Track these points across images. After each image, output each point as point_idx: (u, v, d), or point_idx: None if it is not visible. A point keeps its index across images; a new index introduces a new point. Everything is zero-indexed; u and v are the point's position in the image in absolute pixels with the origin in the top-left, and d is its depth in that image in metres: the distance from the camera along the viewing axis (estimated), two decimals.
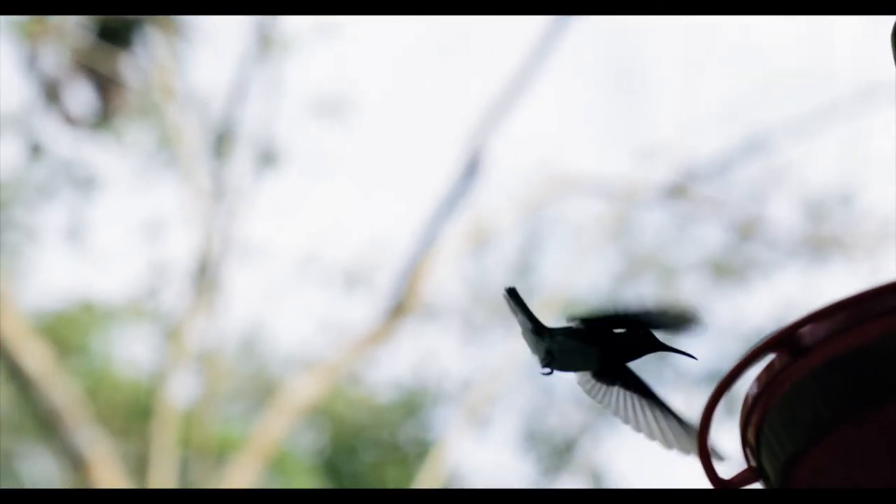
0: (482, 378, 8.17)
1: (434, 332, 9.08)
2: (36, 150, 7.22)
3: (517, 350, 8.36)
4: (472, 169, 7.59)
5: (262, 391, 8.91)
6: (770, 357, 1.17)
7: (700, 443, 1.22)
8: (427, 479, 7.28)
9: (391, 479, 8.68)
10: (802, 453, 1.15)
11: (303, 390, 7.23)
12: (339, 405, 9.26)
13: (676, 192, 8.42)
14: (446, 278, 8.75)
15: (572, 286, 9.10)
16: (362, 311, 7.91)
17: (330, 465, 9.31)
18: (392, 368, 9.37)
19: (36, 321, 8.06)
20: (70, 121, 7.39)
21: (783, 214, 8.59)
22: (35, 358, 6.73)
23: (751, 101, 8.52)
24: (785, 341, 1.15)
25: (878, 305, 1.12)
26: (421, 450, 8.42)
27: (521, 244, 8.99)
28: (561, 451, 8.99)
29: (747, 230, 8.54)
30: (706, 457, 1.23)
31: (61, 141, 7.33)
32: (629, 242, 9.08)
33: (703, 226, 8.80)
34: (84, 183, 7.29)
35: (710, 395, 1.20)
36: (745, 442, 1.21)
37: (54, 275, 10.32)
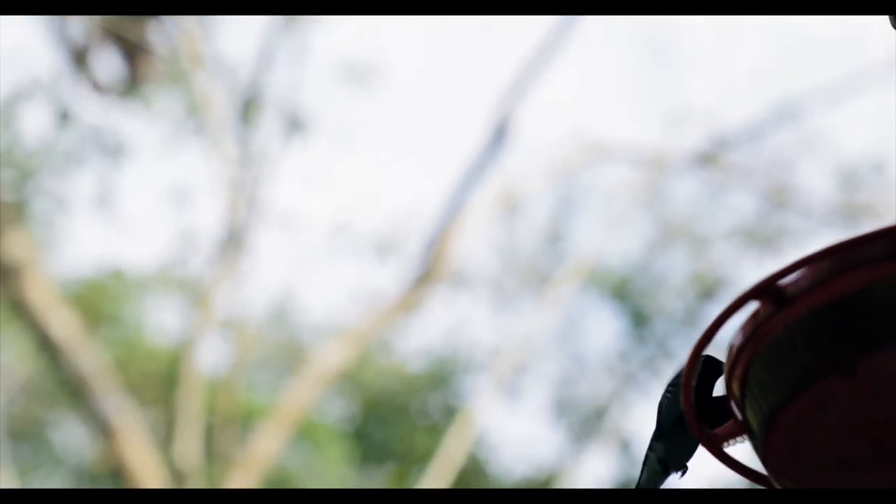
0: (512, 346, 8.15)
1: (464, 301, 9.07)
2: (64, 118, 7.22)
3: (547, 318, 8.34)
4: (500, 135, 7.55)
5: (291, 359, 8.92)
6: (755, 307, 1.14)
7: (684, 393, 1.20)
8: (454, 446, 7.27)
9: (420, 448, 8.68)
10: (786, 405, 1.12)
11: (331, 358, 7.23)
12: (369, 373, 9.27)
13: (708, 159, 8.36)
14: (477, 246, 8.74)
15: (603, 254, 9.06)
16: (392, 278, 7.90)
17: (359, 433, 9.32)
18: (422, 337, 9.38)
19: (66, 290, 8.09)
20: (98, 88, 7.39)
21: (815, 182, 8.53)
22: (63, 326, 6.75)
23: (783, 68, 8.45)
24: (769, 290, 1.12)
25: (865, 253, 1.09)
26: (450, 418, 8.41)
27: (552, 212, 8.96)
28: (591, 419, 8.97)
29: (780, 198, 8.48)
30: (690, 408, 1.21)
31: (89, 108, 7.33)
32: (661, 210, 9.03)
33: (735, 194, 8.74)
34: (112, 150, 7.29)
35: (693, 345, 1.17)
36: (730, 394, 1.18)
37: (84, 243, 10.36)
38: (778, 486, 1.21)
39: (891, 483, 1.16)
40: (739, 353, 1.15)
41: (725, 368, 1.17)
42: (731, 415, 1.19)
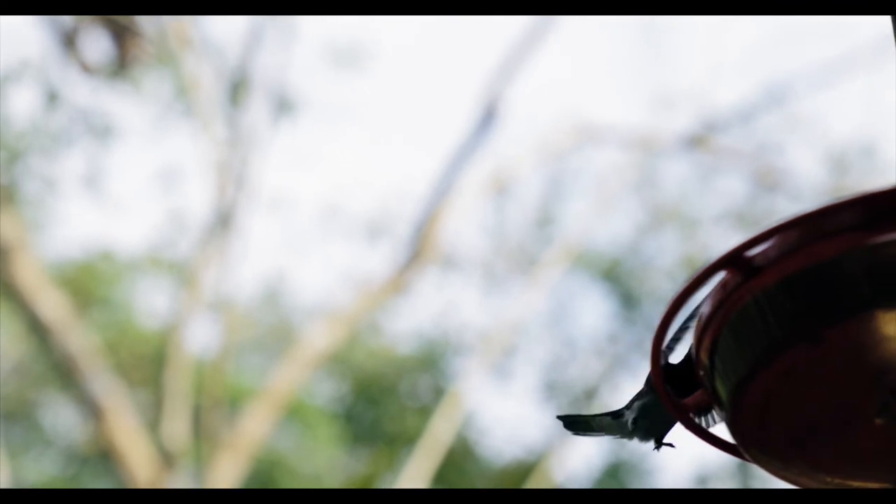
0: (502, 328, 8.15)
1: (454, 283, 9.07)
2: (53, 99, 7.20)
3: (537, 300, 8.34)
4: (489, 117, 7.55)
5: (282, 341, 8.92)
6: (724, 276, 1.14)
7: (653, 363, 1.20)
8: (441, 427, 7.27)
9: (410, 429, 8.68)
10: (754, 375, 1.13)
11: (320, 340, 7.23)
12: (360, 355, 9.27)
13: (698, 142, 8.36)
14: (466, 228, 8.73)
15: (593, 236, 9.07)
16: (382, 260, 7.90)
17: (349, 414, 9.32)
18: (412, 319, 9.38)
19: (56, 271, 8.08)
20: (87, 70, 7.36)
21: (805, 165, 8.53)
22: (52, 307, 6.74)
23: (772, 51, 8.45)
24: (737, 260, 1.12)
25: (832, 224, 1.09)
26: (440, 400, 8.42)
27: (542, 194, 8.95)
28: (580, 401, 8.98)
29: (769, 181, 8.48)
30: (660, 378, 1.21)
31: (78, 90, 7.32)
32: (650, 193, 9.03)
33: (724, 176, 8.74)
34: (101, 132, 7.27)
35: (662, 315, 1.17)
36: (698, 364, 1.18)
37: (73, 225, 10.34)
38: (746, 455, 1.22)
39: (857, 451, 1.17)
40: (708, 322, 1.15)
41: (694, 338, 1.17)
42: (701, 385, 1.20)
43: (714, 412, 1.22)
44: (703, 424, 1.26)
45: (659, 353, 1.19)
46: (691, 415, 1.22)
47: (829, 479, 1.20)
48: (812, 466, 1.20)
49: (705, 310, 1.15)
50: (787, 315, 1.12)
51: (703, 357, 1.17)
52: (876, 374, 1.11)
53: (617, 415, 1.38)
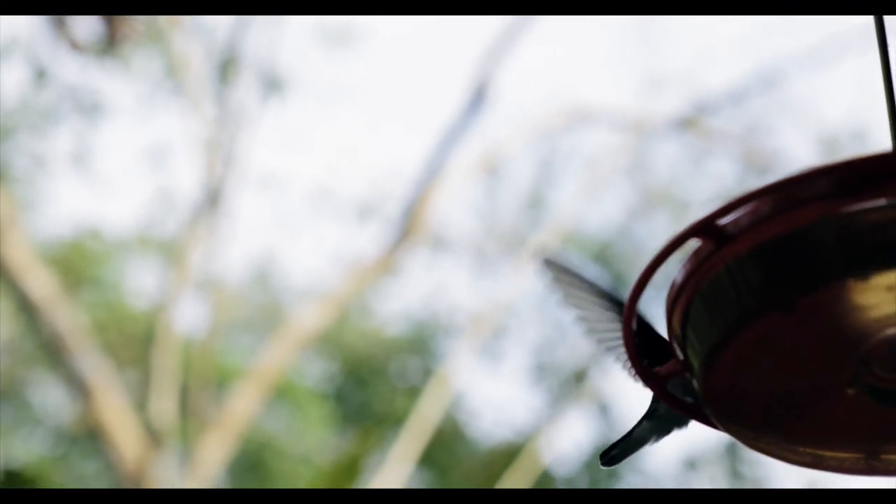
0: (492, 309, 8.15)
1: (445, 265, 9.06)
2: (42, 77, 7.18)
3: (528, 282, 8.33)
4: (480, 97, 7.53)
5: (271, 322, 8.91)
6: (697, 244, 1.13)
7: (625, 334, 1.19)
8: (429, 408, 7.28)
9: (400, 410, 8.68)
10: (727, 343, 1.12)
11: (308, 320, 7.22)
12: (349, 336, 9.27)
13: (689, 124, 8.35)
14: (457, 209, 8.73)
15: (583, 218, 9.07)
16: (372, 241, 7.89)
17: (339, 394, 9.32)
18: (402, 300, 9.37)
19: (44, 250, 8.06)
20: (76, 47, 7.34)
21: (796, 148, 8.53)
22: (40, 285, 6.73)
23: (763, 33, 8.44)
24: (709, 227, 1.11)
25: (806, 191, 1.09)
26: (430, 381, 8.42)
27: (533, 176, 8.95)
28: (570, 383, 8.98)
29: (760, 163, 8.48)
30: (632, 349, 1.20)
31: (67, 67, 7.30)
32: (642, 175, 9.03)
33: (716, 159, 8.74)
34: (90, 110, 7.26)
35: (634, 283, 1.16)
36: (671, 332, 1.17)
37: (62, 203, 10.33)
38: (719, 425, 1.21)
39: (829, 421, 1.17)
40: (680, 290, 1.14)
41: (666, 306, 1.16)
42: (673, 354, 1.19)
43: (687, 381, 1.22)
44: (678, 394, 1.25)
45: (631, 321, 1.18)
46: (664, 384, 1.21)
47: (801, 450, 1.19)
48: (784, 436, 1.19)
49: (678, 278, 1.14)
50: (760, 283, 1.11)
51: (676, 326, 1.16)
52: (848, 344, 1.11)
53: (648, 417, 1.38)
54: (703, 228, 1.11)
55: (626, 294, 1.20)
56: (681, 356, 1.18)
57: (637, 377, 1.22)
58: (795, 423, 1.18)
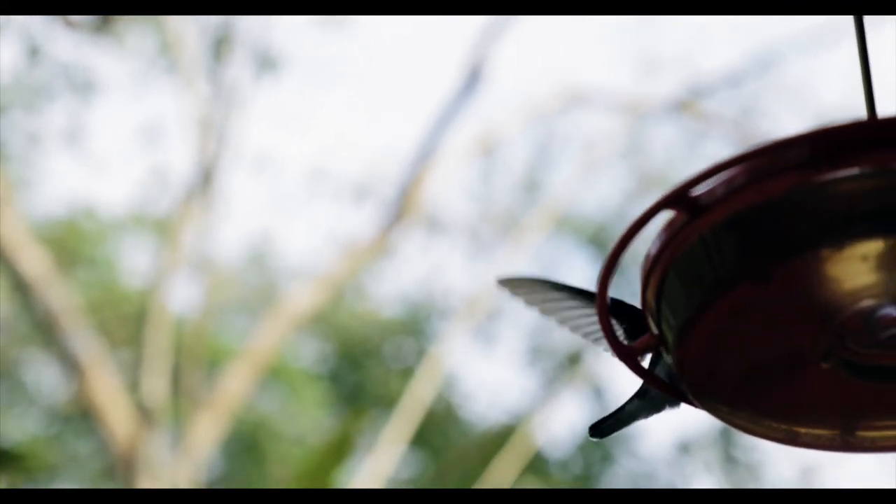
0: (486, 292, 8.13)
1: (440, 246, 9.05)
2: (35, 54, 7.15)
3: (522, 264, 8.32)
4: (474, 79, 7.51)
5: (266, 302, 8.90)
6: (671, 215, 1.12)
7: (599, 307, 1.18)
8: (420, 389, 7.27)
9: (394, 391, 8.68)
10: (701, 314, 1.10)
11: (302, 300, 7.20)
12: (344, 317, 9.26)
13: (684, 107, 8.33)
14: (452, 191, 8.71)
15: (579, 201, 9.05)
16: (366, 222, 7.88)
17: (334, 376, 9.31)
18: (397, 282, 9.36)
19: (39, 229, 8.04)
20: (70, 24, 7.32)
21: (792, 132, 8.49)
22: (33, 264, 6.71)
23: (759, 15, 8.40)
24: (682, 198, 1.09)
25: (779, 160, 1.07)
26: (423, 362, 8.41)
27: (528, 158, 8.93)
28: (564, 366, 8.97)
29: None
30: (607, 322, 1.18)
31: (61, 45, 7.27)
32: (637, 157, 9.01)
33: (711, 142, 8.72)
34: (84, 87, 7.23)
35: (607, 256, 1.15)
36: (645, 305, 1.16)
37: (56, 181, 10.31)
38: (694, 400, 1.19)
39: (803, 396, 1.15)
40: (655, 262, 1.12)
41: (641, 279, 1.15)
42: (647, 328, 1.17)
43: (662, 356, 1.20)
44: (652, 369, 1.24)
45: (605, 293, 1.16)
46: (638, 358, 1.20)
47: (775, 425, 1.17)
48: (758, 412, 1.17)
49: (652, 250, 1.12)
50: (734, 253, 1.09)
51: (650, 299, 1.14)
52: (823, 317, 1.09)
53: (640, 394, 1.37)
54: (676, 199, 1.09)
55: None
56: (655, 330, 1.16)
57: (612, 352, 1.20)
58: (770, 397, 1.16)
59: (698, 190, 1.09)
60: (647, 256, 1.13)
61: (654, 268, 1.12)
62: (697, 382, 1.16)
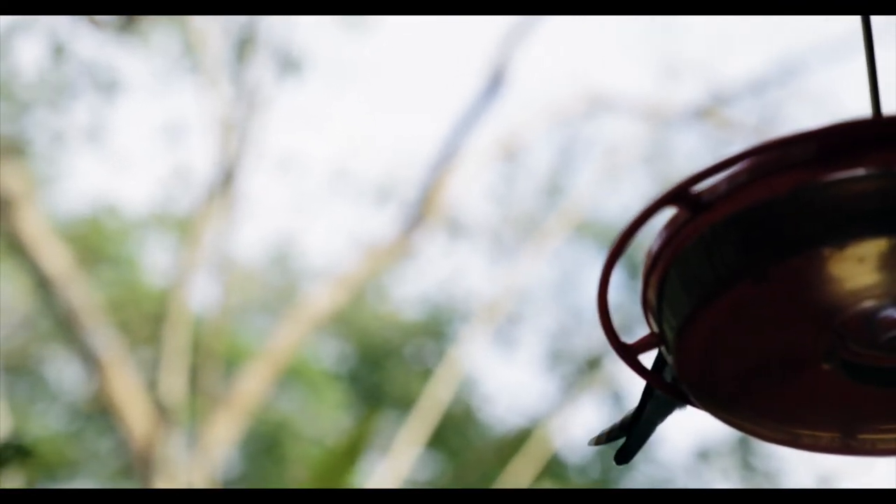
0: (507, 295, 8.13)
1: (461, 249, 9.05)
2: (59, 52, 7.18)
3: (543, 268, 8.32)
4: (497, 81, 7.51)
5: (286, 303, 8.91)
6: (673, 212, 1.11)
7: (600, 305, 1.17)
8: (437, 391, 7.27)
9: (414, 393, 8.68)
10: (700, 313, 1.09)
11: (323, 300, 7.21)
12: (364, 318, 9.26)
13: (706, 113, 8.32)
14: (473, 194, 8.70)
15: (600, 205, 9.04)
16: (388, 223, 7.88)
17: (354, 376, 9.32)
18: (418, 284, 9.36)
19: (62, 226, 8.07)
20: (95, 23, 7.34)
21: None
22: (55, 260, 6.73)
23: (783, 22, 8.38)
24: (684, 195, 1.09)
25: (786, 158, 1.06)
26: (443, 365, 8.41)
27: (550, 162, 8.92)
28: (584, 370, 8.96)
29: None
30: (607, 320, 1.18)
31: (85, 43, 7.29)
32: (659, 164, 8.99)
33: (733, 149, 8.69)
34: (107, 86, 7.25)
35: (608, 252, 1.14)
36: (645, 304, 1.15)
37: (78, 179, 10.33)
38: (693, 400, 1.19)
39: (803, 397, 1.15)
40: (655, 260, 1.12)
41: (641, 276, 1.14)
42: (648, 326, 1.17)
43: (662, 355, 1.20)
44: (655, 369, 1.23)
45: (606, 290, 1.16)
46: (636, 356, 1.19)
47: (776, 427, 1.17)
48: (758, 413, 1.17)
49: (653, 248, 1.12)
50: (736, 251, 1.08)
51: (651, 298, 1.14)
52: (824, 317, 1.09)
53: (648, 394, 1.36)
54: (678, 196, 1.08)
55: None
56: (656, 329, 1.16)
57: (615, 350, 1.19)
58: (770, 398, 1.16)
59: (700, 187, 1.08)
60: (649, 254, 1.12)
61: (656, 266, 1.12)
62: (697, 382, 1.16)
